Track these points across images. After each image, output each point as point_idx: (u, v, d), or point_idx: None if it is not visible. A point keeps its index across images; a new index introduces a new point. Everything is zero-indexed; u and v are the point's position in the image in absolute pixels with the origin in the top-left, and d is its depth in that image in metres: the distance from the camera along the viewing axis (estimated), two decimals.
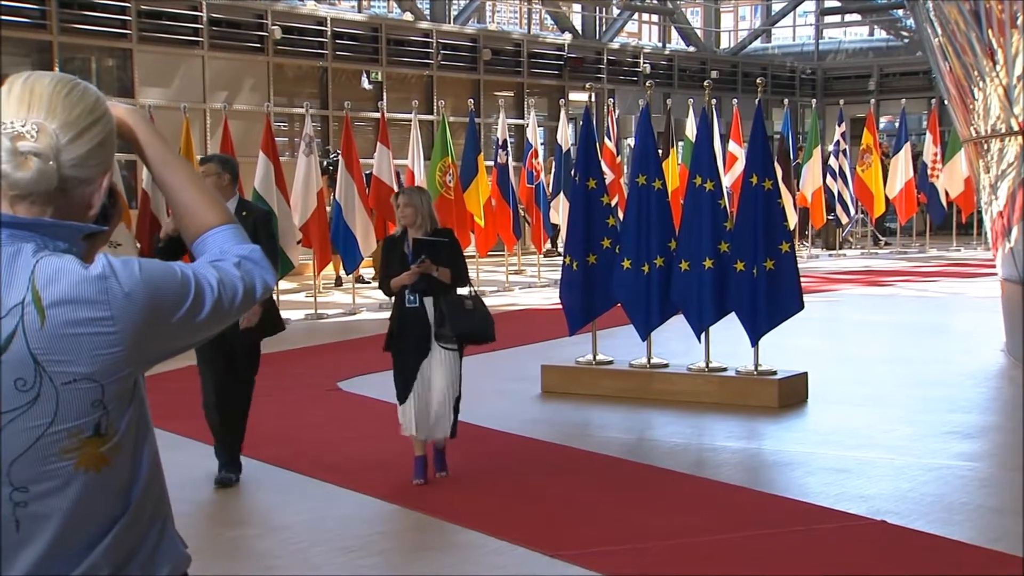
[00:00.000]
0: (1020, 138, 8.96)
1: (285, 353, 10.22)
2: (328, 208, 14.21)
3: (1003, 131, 9.45)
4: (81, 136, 1.77)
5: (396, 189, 14.51)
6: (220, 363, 6.33)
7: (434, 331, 6.12)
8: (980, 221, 18.53)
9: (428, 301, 6.17)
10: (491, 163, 16.72)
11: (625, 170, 18.55)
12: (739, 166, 17.01)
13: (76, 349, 1.70)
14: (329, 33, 19.77)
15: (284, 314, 12.89)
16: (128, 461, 1.82)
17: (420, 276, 6.09)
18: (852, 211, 21.69)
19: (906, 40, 29.33)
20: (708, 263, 8.48)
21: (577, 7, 26.63)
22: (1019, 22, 8.48)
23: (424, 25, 21.55)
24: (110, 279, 1.72)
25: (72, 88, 1.78)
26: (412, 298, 6.15)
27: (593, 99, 22.14)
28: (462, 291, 6.37)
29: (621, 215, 10.58)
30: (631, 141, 17.97)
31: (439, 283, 6.14)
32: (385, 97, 19.79)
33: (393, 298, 6.35)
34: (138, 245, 11.51)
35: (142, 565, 1.85)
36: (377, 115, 16.50)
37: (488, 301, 6.96)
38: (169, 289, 1.77)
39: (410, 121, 15.80)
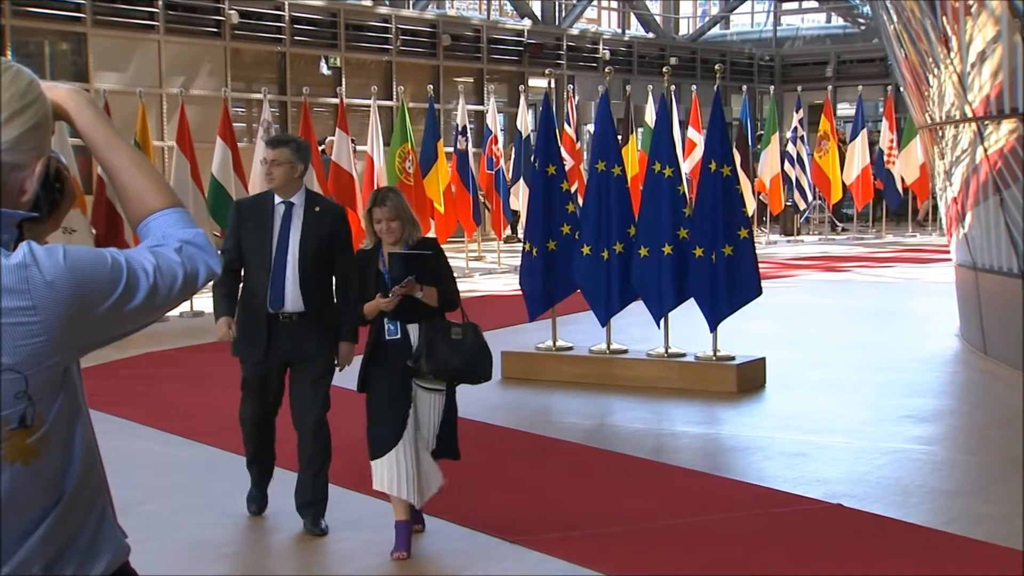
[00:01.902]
0: (974, 125, 9.06)
1: None
2: None
3: (957, 118, 9.54)
4: (12, 120, 1.73)
5: (355, 175, 14.45)
6: (271, 387, 5.43)
7: (409, 364, 4.93)
8: (935, 207, 18.72)
9: (414, 330, 4.97)
10: (451, 149, 16.68)
11: (585, 156, 18.57)
12: (698, 152, 17.08)
13: None
14: (287, 18, 19.62)
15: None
16: (59, 452, 1.78)
17: (401, 299, 4.90)
18: (810, 197, 21.86)
19: (863, 27, 29.53)
20: (667, 249, 8.52)
21: None
22: (973, 10, 8.56)
23: (383, 10, 21.44)
24: (31, 267, 1.66)
25: (2, 72, 1.74)
26: (392, 327, 4.96)
27: (553, 85, 22.11)
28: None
29: (581, 201, 10.59)
30: (591, 127, 17.99)
31: (424, 307, 4.94)
32: (344, 82, 19.67)
33: (368, 327, 5.14)
34: (93, 231, 11.39)
35: (79, 556, 1.81)
36: (336, 101, 16.40)
37: None
38: (97, 277, 1.72)
39: (369, 107, 15.73)
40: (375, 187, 15.17)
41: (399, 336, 4.97)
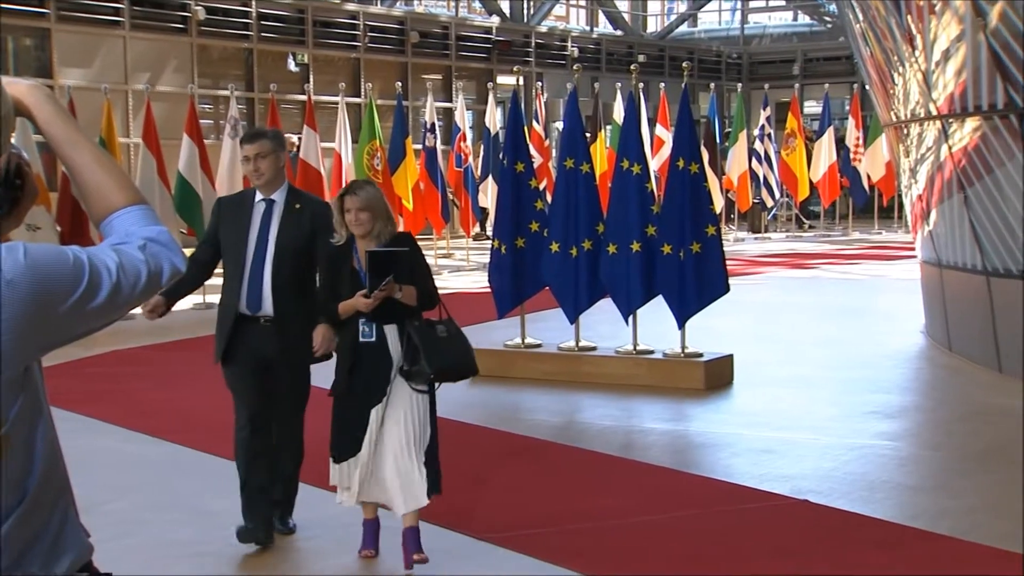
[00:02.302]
0: (938, 123, 9.14)
1: None
2: None
3: (922, 116, 9.62)
4: None
5: (323, 172, 14.39)
6: (255, 389, 5.19)
7: (405, 368, 4.69)
8: (901, 204, 18.87)
9: (391, 331, 4.73)
10: (419, 146, 16.65)
11: (553, 153, 18.59)
12: (666, 150, 17.13)
13: None
14: (254, 14, 19.52)
15: (210, 298, 12.79)
16: (21, 452, 1.76)
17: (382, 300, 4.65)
18: (777, 194, 21.98)
19: (829, 25, 29.70)
20: (636, 246, 8.54)
21: None
22: (937, 8, 8.63)
23: (351, 7, 21.37)
24: None
25: None
26: (368, 330, 4.71)
27: (521, 82, 22.11)
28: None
29: (549, 198, 10.60)
30: (559, 124, 18.00)
31: (402, 307, 4.71)
32: (312, 79, 19.59)
33: (341, 328, 4.88)
34: (58, 228, 11.29)
35: (43, 556, 1.80)
36: (303, 98, 16.34)
37: None
38: (58, 275, 1.70)
39: (337, 104, 15.67)
40: (343, 184, 15.13)
41: (374, 339, 4.71)
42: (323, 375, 5.08)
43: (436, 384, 4.80)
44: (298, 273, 5.08)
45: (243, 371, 5.13)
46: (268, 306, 5.04)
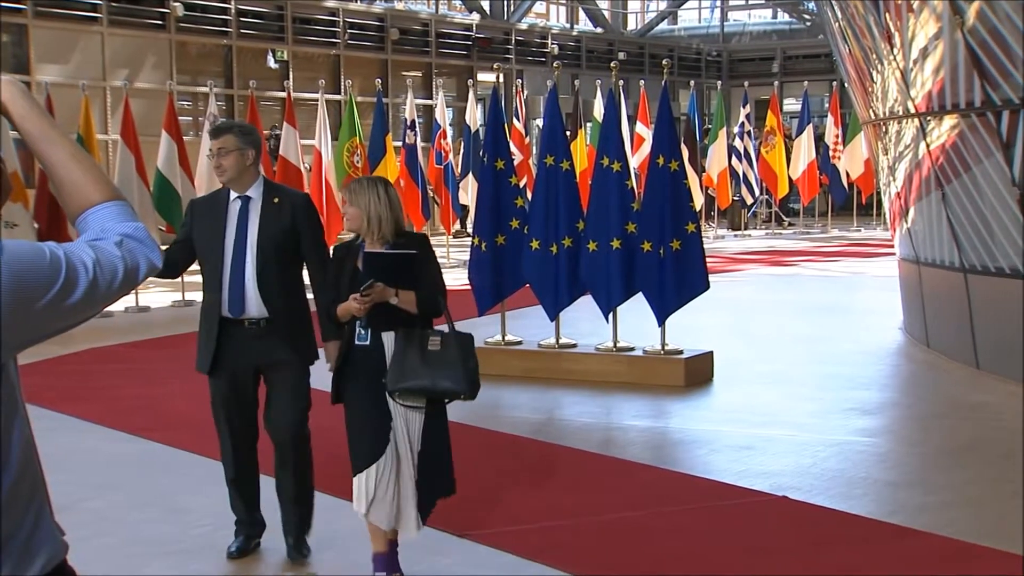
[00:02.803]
0: (917, 120, 9.18)
1: (195, 334, 10.06)
2: None
3: (900, 113, 9.66)
4: None
5: (303, 169, 14.35)
6: (238, 407, 4.90)
7: (386, 382, 4.39)
8: (880, 202, 18.95)
9: (388, 337, 4.45)
10: (399, 143, 16.63)
11: (533, 151, 18.59)
12: (646, 147, 17.16)
13: None
14: (233, 10, 19.45)
15: (189, 295, 12.76)
16: None
17: (375, 304, 4.38)
18: (756, 192, 22.04)
19: (808, 23, 29.82)
20: (616, 243, 8.55)
21: None
22: (915, 7, 8.67)
23: (330, 3, 21.31)
24: None
25: None
26: (363, 332, 4.47)
27: (501, 79, 22.14)
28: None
29: (530, 196, 10.60)
30: (539, 122, 18.00)
31: (403, 314, 4.42)
32: (291, 76, 19.54)
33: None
34: (36, 226, 11.22)
35: (16, 555, 1.79)
36: (283, 94, 16.29)
37: None
38: (35, 272, 1.69)
39: (317, 101, 15.63)
40: (323, 182, 15.10)
41: (368, 343, 4.45)
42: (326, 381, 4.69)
43: (437, 402, 4.45)
44: (283, 270, 4.81)
45: (230, 382, 4.83)
46: (252, 307, 4.76)
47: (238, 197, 4.86)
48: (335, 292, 4.54)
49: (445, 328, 4.49)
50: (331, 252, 4.78)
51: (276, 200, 4.85)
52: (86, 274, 1.75)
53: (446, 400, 4.49)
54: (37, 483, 1.86)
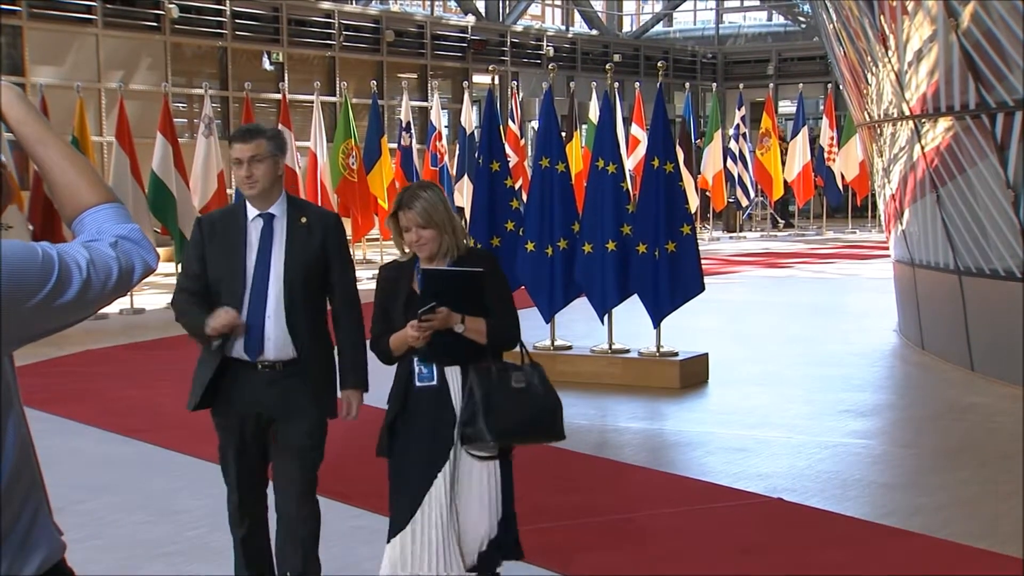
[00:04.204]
0: (911, 123, 9.19)
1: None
2: (229, 191, 14.01)
3: (895, 116, 9.67)
4: None
5: (298, 171, 14.33)
6: (245, 457, 4.15)
7: (459, 428, 3.68)
8: (874, 204, 18.98)
9: (452, 374, 3.77)
10: (395, 145, 16.62)
11: (529, 153, 18.60)
12: (641, 149, 17.16)
13: None
14: (228, 12, 19.43)
15: None
16: None
17: (436, 334, 3.68)
18: (751, 194, 22.07)
19: (803, 25, 29.86)
20: (611, 245, 8.55)
21: None
22: (910, 9, 8.68)
23: (326, 5, 21.31)
24: None
25: None
26: (425, 371, 3.77)
27: (496, 82, 22.12)
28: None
29: (525, 198, 10.61)
30: (535, 124, 18.01)
31: (470, 345, 3.73)
32: (287, 78, 19.53)
33: (396, 366, 3.88)
34: (30, 227, 11.21)
35: (12, 553, 1.79)
36: (278, 96, 16.28)
37: None
38: (26, 271, 1.70)
39: (312, 102, 15.63)
40: (318, 183, 15.10)
41: (434, 382, 3.76)
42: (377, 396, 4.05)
43: (507, 451, 3.81)
44: (310, 304, 4.06)
45: (235, 426, 4.11)
46: (271, 349, 4.00)
47: (260, 215, 4.08)
48: (384, 323, 3.82)
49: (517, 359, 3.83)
50: (379, 275, 3.97)
51: (303, 220, 4.08)
52: (80, 274, 1.75)
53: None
54: (35, 482, 1.86)
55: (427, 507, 3.73)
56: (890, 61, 9.29)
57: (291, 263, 4.02)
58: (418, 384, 3.78)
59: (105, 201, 1.88)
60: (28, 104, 1.89)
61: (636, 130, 19.20)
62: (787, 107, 26.48)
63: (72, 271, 1.75)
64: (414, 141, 16.67)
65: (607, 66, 10.00)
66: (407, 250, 3.84)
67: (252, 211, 4.08)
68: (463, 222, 8.38)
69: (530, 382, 3.75)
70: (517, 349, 3.86)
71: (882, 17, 9.24)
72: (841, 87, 12.57)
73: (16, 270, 1.68)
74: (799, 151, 21.32)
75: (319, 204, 14.15)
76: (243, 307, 4.00)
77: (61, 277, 1.73)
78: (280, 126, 14.34)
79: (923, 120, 8.97)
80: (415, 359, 3.77)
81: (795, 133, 21.58)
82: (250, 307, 4.01)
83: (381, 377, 4.10)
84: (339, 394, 4.15)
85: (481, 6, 26.06)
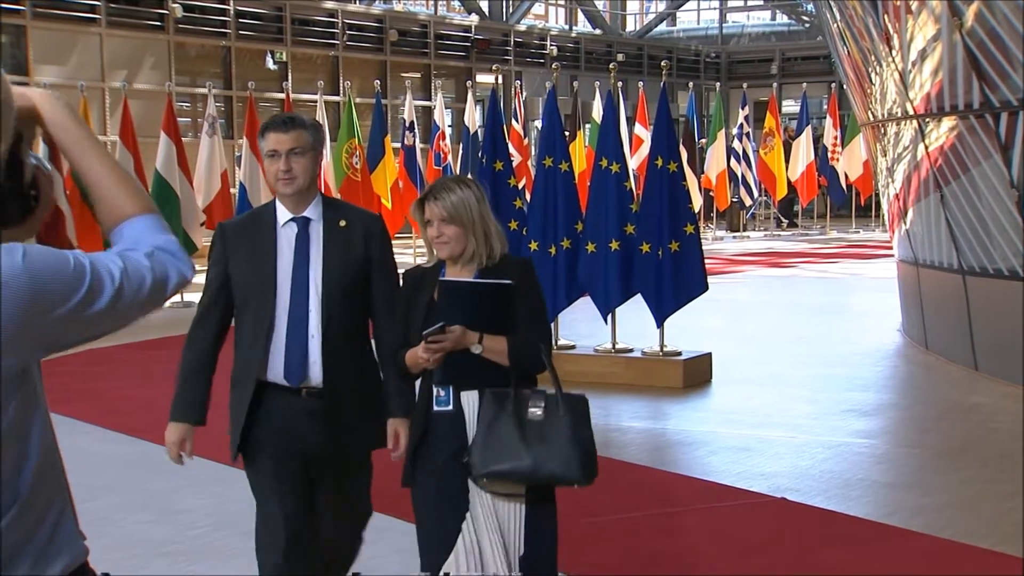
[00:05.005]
0: (915, 122, 9.18)
1: None
2: (233, 190, 14.02)
3: (899, 115, 9.66)
4: None
5: None
6: (294, 488, 3.63)
7: (465, 459, 3.28)
8: (878, 203, 18.96)
9: (469, 399, 3.35)
10: (398, 145, 16.63)
11: (532, 152, 18.60)
12: (645, 148, 17.15)
13: None
14: (232, 12, 19.44)
15: (187, 296, 12.75)
16: (14, 452, 1.75)
17: (451, 353, 3.29)
18: (755, 193, 22.05)
19: (807, 25, 29.83)
20: (614, 245, 8.54)
21: None
22: (914, 8, 8.67)
23: (329, 5, 21.31)
24: None
25: None
26: (443, 394, 3.37)
27: (500, 81, 22.12)
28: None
29: (528, 197, 10.60)
30: (538, 123, 18.00)
31: (490, 367, 3.32)
32: (290, 77, 19.54)
33: (419, 381, 3.50)
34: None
35: (35, 556, 1.78)
36: (282, 95, 16.29)
37: None
38: (56, 279, 1.68)
39: (316, 102, 15.63)
40: (322, 182, 15.10)
41: (450, 407, 3.35)
42: None
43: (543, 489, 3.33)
44: (353, 320, 3.63)
45: (279, 470, 3.60)
46: (316, 372, 3.55)
47: (292, 219, 3.63)
48: (404, 335, 3.42)
49: (549, 388, 3.35)
50: (400, 279, 3.59)
51: (343, 223, 3.62)
52: (112, 283, 1.74)
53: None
54: (59, 485, 1.86)
55: (463, 542, 3.28)
56: (894, 60, 9.27)
57: (330, 273, 3.57)
58: (435, 408, 3.39)
59: (144, 212, 1.87)
60: (72, 113, 1.87)
61: (640, 129, 19.18)
62: (791, 106, 26.46)
63: (104, 280, 1.74)
64: (418, 140, 16.67)
65: (611, 65, 9.99)
66: (432, 252, 3.46)
67: (283, 214, 3.63)
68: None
69: (550, 416, 3.24)
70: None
71: (886, 16, 9.22)
72: (845, 86, 12.55)
73: (45, 277, 1.67)
74: (803, 151, 21.31)
75: None
76: (277, 325, 3.56)
77: (93, 285, 1.72)
78: None
79: (927, 120, 8.96)
80: (433, 380, 3.38)
81: (799, 132, 21.56)
82: (290, 324, 3.56)
83: None
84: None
85: (485, 6, 26.06)
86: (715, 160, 20.75)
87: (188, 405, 3.71)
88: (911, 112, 9.21)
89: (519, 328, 3.34)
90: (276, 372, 3.58)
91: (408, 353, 3.39)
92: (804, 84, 22.42)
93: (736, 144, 21.30)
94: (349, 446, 3.65)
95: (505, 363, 3.31)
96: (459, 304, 3.29)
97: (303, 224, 3.61)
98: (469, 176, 3.74)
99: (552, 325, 9.03)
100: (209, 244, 3.74)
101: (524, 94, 20.03)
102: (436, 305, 3.35)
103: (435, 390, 3.38)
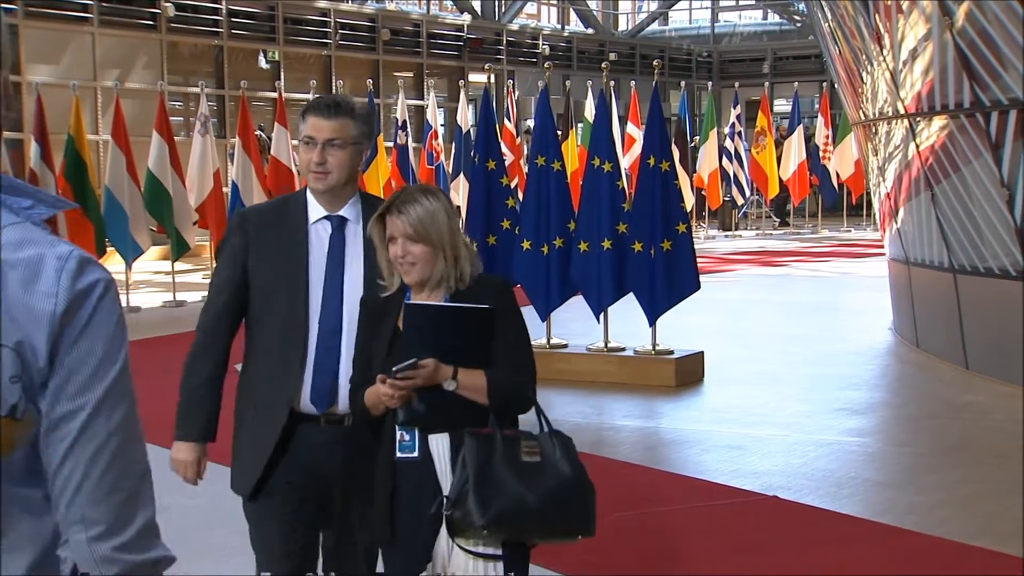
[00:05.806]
0: (906, 121, 9.21)
1: (185, 335, 10.05)
2: (225, 189, 14.01)
3: (890, 114, 9.69)
4: None
5: (294, 170, 14.33)
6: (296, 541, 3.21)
7: (446, 513, 2.80)
8: (870, 202, 19.01)
9: (439, 443, 2.89)
10: (390, 144, 16.63)
11: (525, 151, 18.61)
12: (637, 147, 17.16)
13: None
14: (224, 11, 19.42)
15: (180, 295, 12.74)
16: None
17: (419, 390, 2.83)
18: (747, 192, 22.08)
19: (799, 24, 29.87)
20: (607, 244, 8.56)
21: None
22: (905, 8, 8.70)
23: (322, 4, 21.30)
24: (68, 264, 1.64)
25: None
26: (407, 437, 2.89)
27: (493, 80, 22.13)
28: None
29: (521, 196, 10.62)
30: (531, 122, 18.02)
31: (467, 405, 2.86)
32: (283, 77, 19.52)
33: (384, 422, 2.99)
34: None
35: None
36: (274, 95, 16.27)
37: None
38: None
39: (308, 101, 15.62)
40: None
41: (415, 454, 2.87)
42: None
43: (519, 547, 2.88)
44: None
45: (284, 506, 3.17)
46: (344, 398, 3.07)
47: (326, 217, 3.14)
48: (364, 370, 2.92)
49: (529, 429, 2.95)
50: (360, 308, 3.04)
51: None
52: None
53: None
54: None
55: None
56: (885, 60, 9.30)
57: (369, 284, 3.05)
58: (398, 455, 2.88)
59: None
60: None
61: (632, 129, 19.20)
62: (782, 106, 26.49)
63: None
64: (410, 140, 16.66)
65: (603, 65, 10.01)
66: (394, 276, 2.94)
67: (316, 210, 3.13)
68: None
69: (547, 455, 2.89)
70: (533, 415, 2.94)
71: (877, 16, 9.26)
72: (836, 86, 12.59)
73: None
74: (794, 150, 21.34)
75: None
76: (308, 341, 3.08)
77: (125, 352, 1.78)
78: (276, 125, 14.33)
79: (918, 119, 8.99)
80: (396, 423, 2.87)
81: (790, 132, 21.59)
82: (318, 345, 3.08)
83: None
84: None
85: (477, 5, 26.06)
86: (707, 159, 20.77)
87: (203, 422, 3.42)
88: (902, 111, 9.24)
89: (499, 360, 2.89)
90: (303, 398, 3.11)
91: (369, 391, 2.88)
92: (796, 83, 22.45)
93: (728, 143, 21.32)
94: (367, 474, 3.07)
95: (483, 401, 2.85)
96: (429, 332, 2.83)
97: (338, 224, 3.14)
98: (437, 185, 3.26)
99: (544, 324, 9.05)
100: (208, 243, 3.51)
101: (516, 93, 20.06)
102: (402, 334, 2.87)
103: (398, 435, 2.88)
